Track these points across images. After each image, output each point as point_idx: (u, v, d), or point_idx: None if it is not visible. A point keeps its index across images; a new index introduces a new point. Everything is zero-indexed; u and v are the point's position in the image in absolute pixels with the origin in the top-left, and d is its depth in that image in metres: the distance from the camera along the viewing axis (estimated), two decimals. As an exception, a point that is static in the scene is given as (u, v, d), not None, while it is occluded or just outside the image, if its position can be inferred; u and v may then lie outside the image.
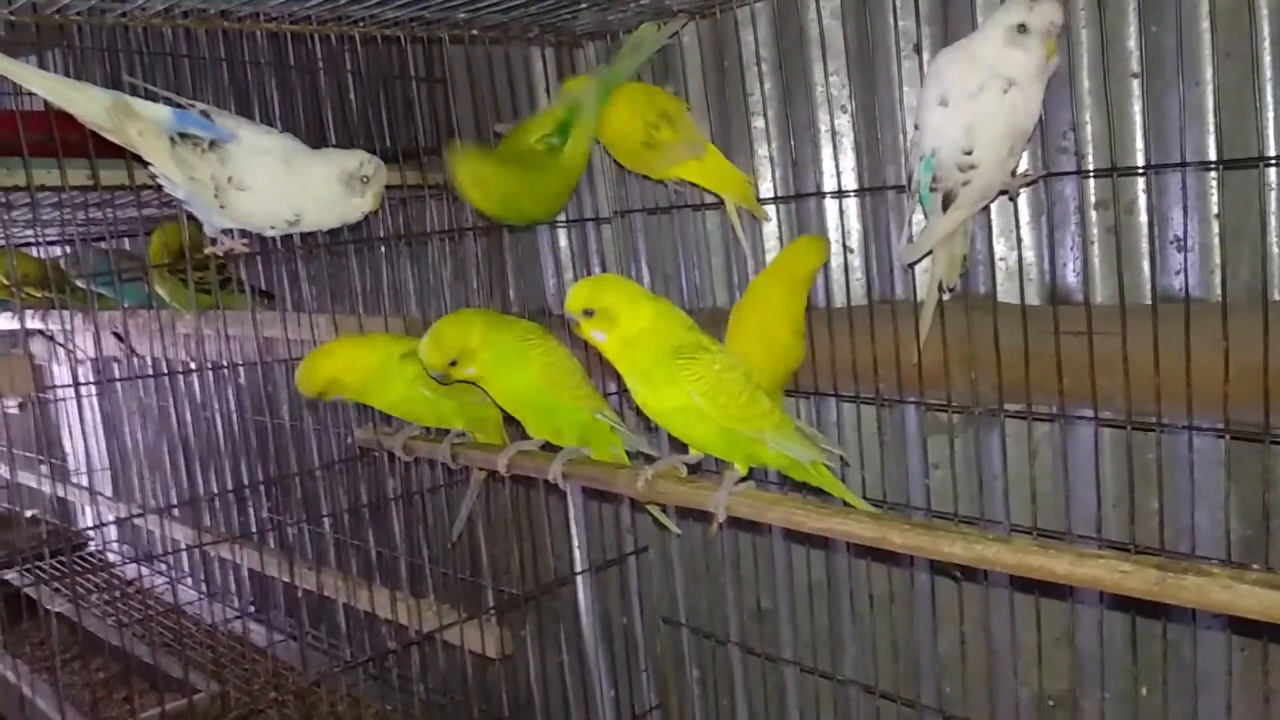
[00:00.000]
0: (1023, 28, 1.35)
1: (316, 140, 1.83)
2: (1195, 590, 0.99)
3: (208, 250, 1.62)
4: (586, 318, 1.34)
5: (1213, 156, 1.44)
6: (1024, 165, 1.54)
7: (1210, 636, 1.53)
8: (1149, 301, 1.49)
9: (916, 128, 1.49)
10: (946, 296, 1.64)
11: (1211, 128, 1.43)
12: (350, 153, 1.61)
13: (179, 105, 1.48)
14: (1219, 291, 1.41)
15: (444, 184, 1.93)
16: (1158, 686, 1.59)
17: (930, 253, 1.58)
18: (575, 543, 2.46)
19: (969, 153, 1.42)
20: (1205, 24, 1.42)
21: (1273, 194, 1.44)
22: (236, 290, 2.31)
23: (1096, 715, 1.68)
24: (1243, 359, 1.35)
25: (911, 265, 1.66)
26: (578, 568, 2.43)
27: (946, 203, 1.47)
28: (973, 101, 1.39)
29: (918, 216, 1.58)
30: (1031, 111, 1.41)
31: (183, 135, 1.44)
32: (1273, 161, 1.39)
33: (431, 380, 1.66)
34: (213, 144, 1.45)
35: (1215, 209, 1.46)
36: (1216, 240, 1.47)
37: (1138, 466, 1.53)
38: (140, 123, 1.40)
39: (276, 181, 1.50)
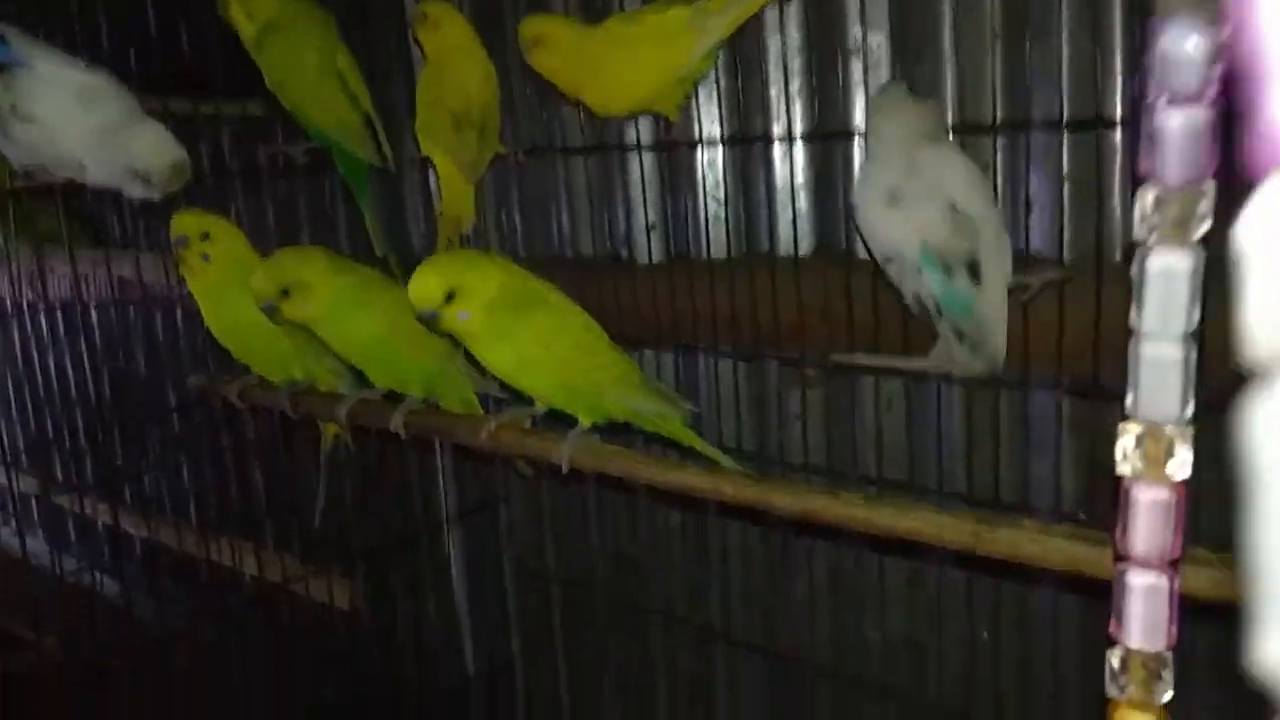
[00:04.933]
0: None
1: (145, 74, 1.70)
2: (1007, 543, 1.02)
3: (18, 184, 1.49)
4: (449, 304, 1.27)
5: (1062, 118, 1.46)
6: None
7: (1041, 583, 1.60)
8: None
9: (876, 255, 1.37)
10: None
11: (1060, 90, 1.45)
12: (158, 149, 1.47)
13: None
14: (1061, 252, 1.44)
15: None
16: (995, 629, 1.65)
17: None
18: (442, 491, 2.42)
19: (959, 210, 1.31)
20: (1057, -17, 1.42)
21: (1118, 157, 1.47)
22: (67, 225, 2.14)
23: (938, 657, 1.74)
24: (1079, 318, 1.38)
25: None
26: (444, 517, 2.39)
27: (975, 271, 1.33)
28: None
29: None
30: None
31: None
32: (1115, 124, 1.42)
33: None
34: (1, 68, 1.32)
35: (1065, 170, 1.49)
36: (1065, 201, 1.50)
37: (979, 421, 1.57)
38: (-83, 35, 1.27)
39: (66, 121, 1.37)
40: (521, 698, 2.47)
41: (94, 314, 2.35)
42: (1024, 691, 1.64)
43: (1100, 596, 1.45)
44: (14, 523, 3.06)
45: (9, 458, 2.72)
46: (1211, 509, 1.26)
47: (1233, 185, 0.27)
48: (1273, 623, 0.25)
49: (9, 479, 2.29)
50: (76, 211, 2.44)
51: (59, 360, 2.76)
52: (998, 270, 1.33)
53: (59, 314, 2.47)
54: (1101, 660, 1.44)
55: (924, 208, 1.31)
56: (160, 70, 1.74)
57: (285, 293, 1.45)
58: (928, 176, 1.33)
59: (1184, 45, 0.33)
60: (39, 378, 2.85)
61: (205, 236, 1.61)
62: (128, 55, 1.74)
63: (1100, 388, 1.39)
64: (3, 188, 1.75)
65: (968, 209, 1.31)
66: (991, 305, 1.33)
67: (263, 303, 1.46)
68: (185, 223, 1.61)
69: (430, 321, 1.30)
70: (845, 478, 1.68)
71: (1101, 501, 1.49)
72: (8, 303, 2.83)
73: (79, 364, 2.49)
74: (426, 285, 1.27)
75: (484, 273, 1.30)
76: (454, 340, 1.39)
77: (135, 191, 1.45)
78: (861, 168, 1.42)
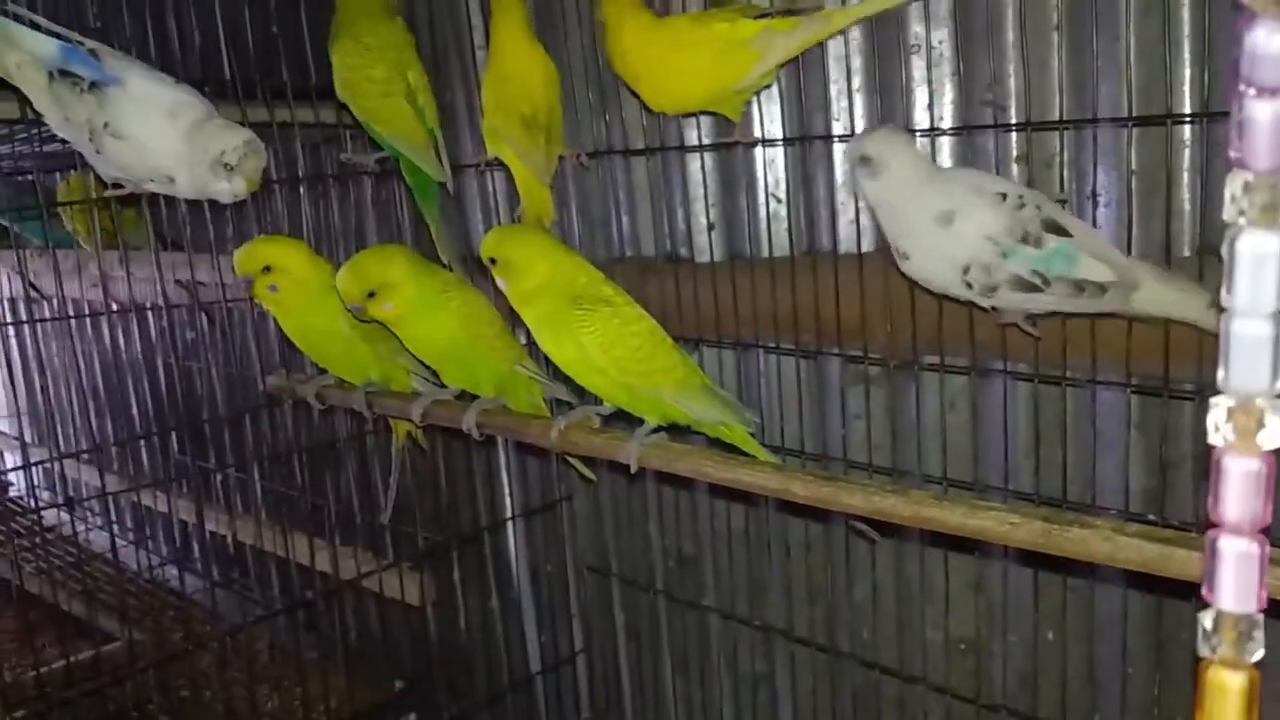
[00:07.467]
0: None
1: (220, 80, 1.76)
2: (1079, 542, 1.02)
3: (107, 194, 1.56)
4: (493, 266, 1.34)
5: (1129, 112, 1.44)
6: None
7: (1108, 585, 1.58)
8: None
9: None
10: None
11: (1127, 83, 1.43)
12: (228, 132, 1.49)
13: (67, 40, 1.40)
14: (1129, 247, 1.43)
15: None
16: (1060, 631, 1.63)
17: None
18: (506, 489, 2.46)
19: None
20: (1124, -23, 1.41)
21: (1186, 150, 1.45)
22: (146, 229, 2.23)
23: (1001, 658, 1.73)
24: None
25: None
26: (508, 514, 2.44)
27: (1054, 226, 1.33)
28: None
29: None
30: None
31: (64, 73, 1.36)
32: (1184, 119, 1.40)
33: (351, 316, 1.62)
34: (93, 85, 1.37)
35: (1132, 164, 1.47)
36: (1132, 195, 1.49)
37: (1045, 419, 1.56)
38: (19, 54, 1.33)
39: (156, 136, 1.42)
40: (585, 692, 2.50)
41: (173, 315, 2.43)
42: (1090, 693, 1.63)
43: (1169, 595, 1.43)
44: (99, 519, 3.18)
45: (100, 456, 2.82)
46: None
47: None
48: None
49: (100, 477, 2.38)
50: (156, 219, 2.53)
51: (147, 360, 2.86)
52: (1072, 218, 1.33)
53: (142, 315, 2.57)
54: (1169, 662, 1.41)
55: (975, 208, 1.31)
56: (231, 76, 1.80)
57: (371, 294, 1.50)
58: (957, 185, 1.34)
59: (1271, 41, 0.34)
60: (127, 378, 2.95)
61: (266, 270, 1.66)
62: (203, 61, 1.81)
63: (1169, 386, 1.38)
64: (89, 197, 1.85)
65: (1007, 189, 1.32)
66: (1090, 238, 1.31)
67: (350, 304, 1.51)
68: (245, 263, 1.66)
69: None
70: (909, 476, 1.68)
71: (1170, 500, 1.47)
72: (84, 304, 2.95)
73: (160, 365, 2.58)
74: (484, 243, 1.42)
75: (532, 260, 1.36)
76: (527, 342, 1.43)
77: (223, 187, 1.48)
78: (884, 223, 1.41)
